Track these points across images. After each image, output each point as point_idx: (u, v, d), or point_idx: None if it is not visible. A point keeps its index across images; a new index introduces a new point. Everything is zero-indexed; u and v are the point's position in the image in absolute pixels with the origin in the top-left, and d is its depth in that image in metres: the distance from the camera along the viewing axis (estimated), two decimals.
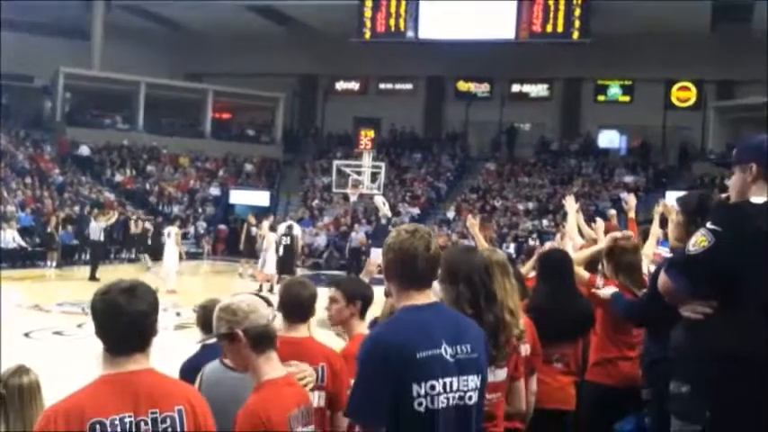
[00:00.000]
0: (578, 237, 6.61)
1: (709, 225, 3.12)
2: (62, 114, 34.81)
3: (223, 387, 3.41)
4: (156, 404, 2.63)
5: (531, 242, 25.27)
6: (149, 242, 26.63)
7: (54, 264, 23.90)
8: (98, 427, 2.53)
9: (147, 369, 2.69)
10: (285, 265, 19.97)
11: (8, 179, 28.02)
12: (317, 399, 3.69)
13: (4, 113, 33.73)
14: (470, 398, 2.89)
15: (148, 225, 27.70)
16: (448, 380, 2.83)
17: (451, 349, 2.85)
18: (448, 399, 2.83)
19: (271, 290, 18.10)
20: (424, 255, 2.91)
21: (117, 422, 2.55)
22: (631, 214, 7.18)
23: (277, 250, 20.06)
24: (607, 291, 5.06)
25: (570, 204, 6.82)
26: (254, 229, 29.74)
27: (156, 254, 22.95)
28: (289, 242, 20.53)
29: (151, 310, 2.70)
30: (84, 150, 33.62)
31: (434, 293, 3.11)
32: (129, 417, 2.58)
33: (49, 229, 24.93)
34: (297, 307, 3.87)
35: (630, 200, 7.66)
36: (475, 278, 3.50)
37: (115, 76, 34.62)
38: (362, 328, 4.22)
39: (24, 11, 32.98)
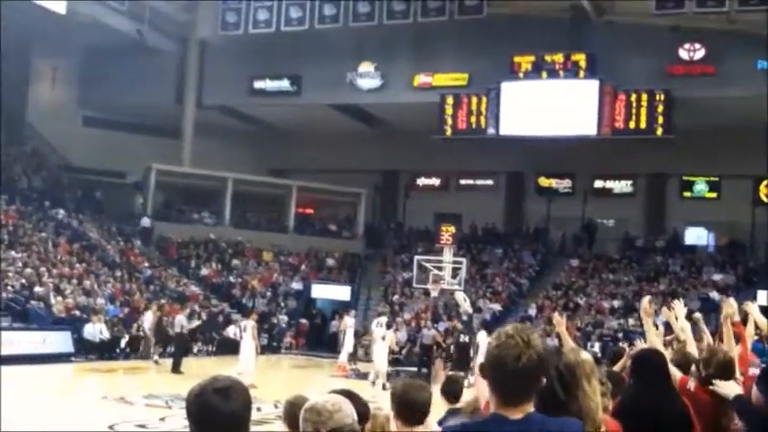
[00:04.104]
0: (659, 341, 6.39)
1: None
2: (152, 210, 35.96)
3: None
4: None
5: (621, 344, 24.63)
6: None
7: (155, 356, 23.75)
8: None
9: None
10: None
11: (98, 272, 28.87)
12: None
13: (98, 208, 35.09)
14: None
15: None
16: None
17: None
18: None
19: (384, 387, 18.12)
20: (512, 366, 2.69)
21: None
22: (736, 318, 6.98)
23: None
24: (728, 389, 4.88)
25: (679, 308, 6.66)
26: (333, 324, 30.03)
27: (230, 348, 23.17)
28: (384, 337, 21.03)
29: (245, 410, 2.71)
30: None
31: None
32: None
33: (139, 323, 25.45)
34: (415, 409, 3.83)
35: (732, 303, 7.46)
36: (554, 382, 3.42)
37: (204, 173, 35.76)
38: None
39: (119, 110, 34.67)
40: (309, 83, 34.52)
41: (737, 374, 5.33)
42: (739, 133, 29.71)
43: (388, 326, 21.95)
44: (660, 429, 4.76)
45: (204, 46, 35.92)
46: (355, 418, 3.14)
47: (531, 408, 2.78)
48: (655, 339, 6.23)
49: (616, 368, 6.62)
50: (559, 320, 6.48)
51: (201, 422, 2.67)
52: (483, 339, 17.40)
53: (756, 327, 6.20)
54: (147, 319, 24.27)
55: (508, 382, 2.73)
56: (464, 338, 22.24)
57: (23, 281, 25.12)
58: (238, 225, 36.92)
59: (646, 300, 6.42)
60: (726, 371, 5.26)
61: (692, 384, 5.40)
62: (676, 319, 6.69)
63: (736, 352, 5.71)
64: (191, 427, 2.69)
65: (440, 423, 4.12)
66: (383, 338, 21.58)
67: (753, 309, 6.19)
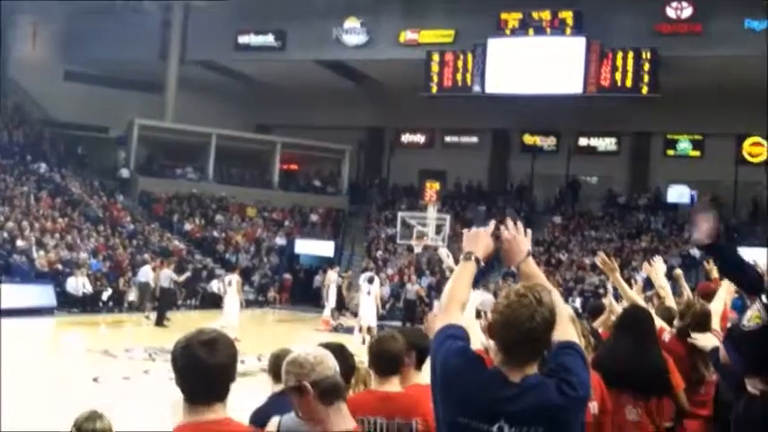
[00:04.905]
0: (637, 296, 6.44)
1: (765, 300, 3.05)
2: (135, 165, 35.77)
3: None
4: None
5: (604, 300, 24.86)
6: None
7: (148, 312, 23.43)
8: None
9: (225, 418, 2.72)
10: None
11: (81, 226, 28.77)
12: None
13: (80, 163, 34.86)
14: None
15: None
16: None
17: (509, 429, 2.69)
18: None
19: (363, 342, 18.25)
20: (527, 326, 2.69)
21: None
22: (715, 274, 7.10)
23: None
24: (705, 342, 4.96)
25: (658, 265, 6.71)
26: (317, 279, 30.14)
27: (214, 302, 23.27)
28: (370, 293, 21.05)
29: (231, 362, 2.74)
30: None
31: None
32: None
33: (121, 276, 25.50)
34: (388, 360, 3.85)
35: (711, 261, 7.57)
36: None
37: (187, 128, 35.53)
38: (419, 378, 4.18)
39: (101, 65, 34.22)
40: (294, 38, 34.15)
41: (717, 328, 5.40)
42: (724, 92, 29.74)
43: (370, 280, 21.93)
44: (636, 381, 4.86)
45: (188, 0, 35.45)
46: (338, 370, 3.15)
47: (533, 368, 2.77)
48: (632, 294, 6.29)
49: (597, 323, 6.69)
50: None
51: (187, 374, 2.69)
52: (473, 296, 17.46)
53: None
54: (145, 274, 24.11)
55: (520, 342, 2.72)
56: None
57: (5, 235, 25.03)
58: (222, 180, 36.80)
59: (599, 258, 6.37)
60: (701, 322, 5.35)
61: (666, 336, 5.49)
62: (657, 275, 6.76)
63: (716, 308, 5.79)
64: (176, 378, 2.72)
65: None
66: (368, 293, 21.65)
67: None
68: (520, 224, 3.22)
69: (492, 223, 3.25)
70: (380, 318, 22.62)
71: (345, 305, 26.65)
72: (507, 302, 2.74)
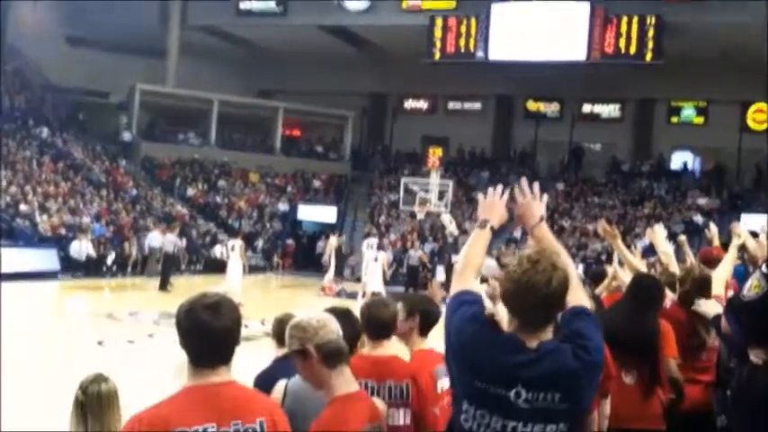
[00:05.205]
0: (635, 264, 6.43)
1: (764, 270, 3.04)
2: (137, 130, 35.71)
3: (309, 401, 3.40)
4: (238, 416, 2.68)
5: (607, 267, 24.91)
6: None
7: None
8: None
9: (229, 381, 2.74)
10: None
11: (84, 191, 28.80)
12: (402, 416, 3.72)
13: (81, 128, 34.80)
14: None
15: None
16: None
17: (527, 394, 2.71)
18: None
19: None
20: (544, 292, 2.68)
21: None
22: (716, 241, 7.11)
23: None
24: (708, 308, 4.97)
25: (659, 232, 6.72)
26: (319, 245, 30.20)
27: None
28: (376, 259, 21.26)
29: (235, 325, 2.75)
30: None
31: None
32: (212, 428, 2.62)
33: (125, 241, 25.57)
34: (379, 325, 3.88)
35: (712, 228, 7.58)
36: None
37: (189, 93, 35.39)
38: (423, 344, 4.21)
39: (102, 29, 33.99)
40: (296, 4, 33.89)
41: (722, 294, 5.40)
42: (728, 59, 29.55)
43: (380, 247, 22.11)
44: (625, 346, 4.90)
45: None
46: (341, 334, 3.18)
47: (548, 334, 2.78)
48: (633, 260, 6.30)
49: (599, 289, 6.70)
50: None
51: (192, 337, 2.71)
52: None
53: (742, 249, 6.24)
54: (154, 238, 24.19)
55: (536, 308, 2.73)
56: (456, 258, 22.48)
57: (8, 199, 25.05)
58: (224, 146, 36.76)
59: (600, 225, 6.38)
60: (701, 287, 5.36)
61: (667, 302, 5.52)
62: (659, 241, 6.77)
63: (720, 274, 5.79)
64: (181, 342, 2.73)
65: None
66: (375, 260, 21.76)
67: (742, 230, 6.22)
68: (537, 189, 3.24)
69: (506, 191, 3.27)
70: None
71: (341, 270, 26.51)
72: (522, 269, 2.72)
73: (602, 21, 30.47)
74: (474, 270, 3.06)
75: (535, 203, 3.20)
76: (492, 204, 3.22)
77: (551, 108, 36.85)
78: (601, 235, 6.49)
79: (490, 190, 3.27)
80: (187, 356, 2.73)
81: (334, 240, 25.12)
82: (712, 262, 6.65)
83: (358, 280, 23.54)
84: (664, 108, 35.35)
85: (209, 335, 2.68)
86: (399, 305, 4.19)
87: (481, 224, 3.17)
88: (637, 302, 5.14)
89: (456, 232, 22.26)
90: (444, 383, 4.05)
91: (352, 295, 22.16)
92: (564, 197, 33.90)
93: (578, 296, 2.91)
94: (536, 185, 3.26)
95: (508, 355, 2.72)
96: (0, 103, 30.96)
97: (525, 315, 2.75)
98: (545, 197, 3.28)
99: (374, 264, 21.67)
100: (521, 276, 2.71)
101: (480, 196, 3.29)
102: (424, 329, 4.21)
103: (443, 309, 3.62)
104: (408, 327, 4.16)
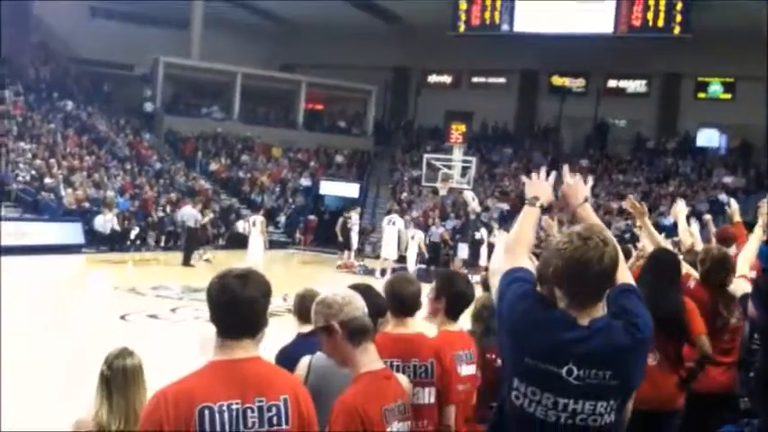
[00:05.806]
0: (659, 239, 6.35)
1: None
2: (161, 103, 35.79)
3: (333, 378, 3.40)
4: (262, 393, 2.69)
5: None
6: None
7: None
8: (206, 411, 2.59)
9: (255, 357, 2.76)
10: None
11: (108, 164, 28.94)
12: (427, 395, 3.71)
13: (106, 100, 34.93)
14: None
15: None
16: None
17: (578, 371, 2.69)
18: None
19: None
20: (596, 268, 2.67)
21: (225, 408, 2.62)
22: (737, 218, 7.01)
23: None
24: (736, 287, 4.91)
25: (681, 209, 6.66)
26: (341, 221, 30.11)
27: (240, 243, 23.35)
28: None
29: (264, 296, 2.78)
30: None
31: None
32: (237, 404, 2.64)
33: (149, 215, 25.69)
34: (402, 303, 3.85)
35: (733, 204, 7.48)
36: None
37: (212, 66, 35.39)
38: (452, 326, 4.17)
39: (127, 2, 33.99)
40: None
41: (747, 274, 5.31)
42: (756, 34, 29.05)
43: (417, 225, 22.65)
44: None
45: None
46: (366, 311, 3.17)
47: (599, 311, 2.77)
48: (659, 238, 6.22)
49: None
50: (550, 223, 6.09)
51: (219, 305, 2.73)
52: (501, 238, 17.49)
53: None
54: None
55: (589, 285, 2.72)
56: (479, 236, 22.48)
57: (33, 172, 25.21)
58: (247, 120, 36.74)
59: (628, 201, 6.34)
60: (721, 265, 5.31)
61: (692, 283, 5.47)
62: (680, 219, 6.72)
63: (747, 254, 5.69)
64: (210, 312, 2.75)
65: None
66: (412, 238, 22.56)
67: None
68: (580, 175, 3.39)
69: (553, 172, 3.40)
70: (402, 260, 22.72)
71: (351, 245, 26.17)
72: (573, 246, 2.71)
73: None
74: (525, 246, 3.07)
75: (581, 184, 3.30)
76: (539, 184, 3.32)
77: (576, 83, 36.53)
78: (630, 210, 6.42)
79: (534, 174, 3.40)
80: (215, 328, 2.74)
81: (354, 216, 24.90)
82: (728, 240, 6.56)
83: (377, 257, 23.56)
84: (690, 84, 34.91)
85: (234, 303, 2.70)
86: (433, 284, 4.16)
87: (531, 201, 3.23)
88: (657, 279, 5.06)
89: (479, 209, 22.14)
90: (462, 370, 4.02)
91: (371, 271, 22.22)
92: (588, 174, 33.57)
93: (625, 274, 2.93)
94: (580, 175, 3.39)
95: (560, 333, 2.70)
96: (25, 76, 31.11)
97: (577, 292, 2.74)
98: (590, 180, 3.39)
99: (412, 242, 22.51)
100: (572, 253, 2.70)
101: (526, 178, 3.39)
102: (452, 312, 4.17)
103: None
104: (435, 307, 4.13)
